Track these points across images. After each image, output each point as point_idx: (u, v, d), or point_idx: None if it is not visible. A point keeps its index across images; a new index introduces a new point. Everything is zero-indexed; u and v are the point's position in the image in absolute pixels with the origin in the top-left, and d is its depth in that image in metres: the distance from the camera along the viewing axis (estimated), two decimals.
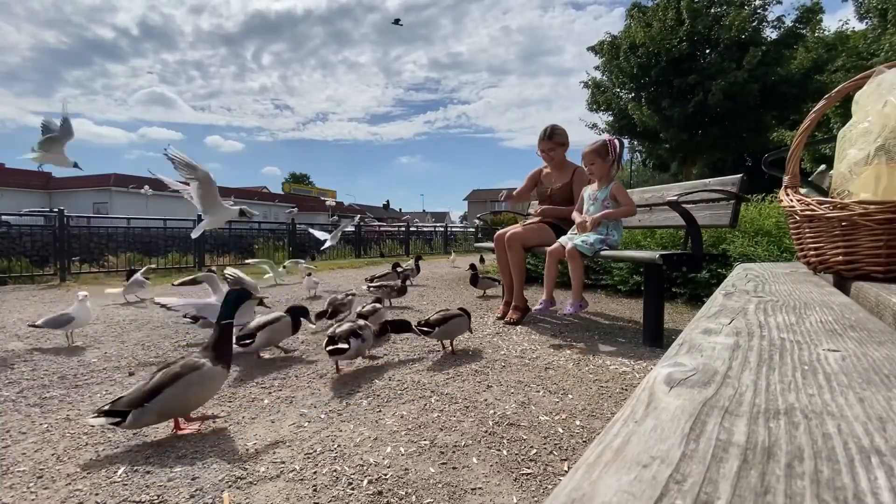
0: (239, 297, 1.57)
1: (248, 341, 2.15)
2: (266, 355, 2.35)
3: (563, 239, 2.86)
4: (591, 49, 17.64)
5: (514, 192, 3.60)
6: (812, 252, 0.94)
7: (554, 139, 3.31)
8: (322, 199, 36.67)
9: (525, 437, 1.42)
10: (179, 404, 1.43)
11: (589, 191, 2.89)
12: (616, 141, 2.82)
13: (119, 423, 1.33)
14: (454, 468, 1.25)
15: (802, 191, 0.99)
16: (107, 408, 1.35)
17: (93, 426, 1.49)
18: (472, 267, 4.73)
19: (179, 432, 1.46)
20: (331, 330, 2.05)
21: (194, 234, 4.12)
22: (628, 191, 3.33)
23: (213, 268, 4.63)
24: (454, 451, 1.34)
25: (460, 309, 2.44)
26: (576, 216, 2.91)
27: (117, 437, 1.44)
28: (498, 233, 3.32)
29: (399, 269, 4.78)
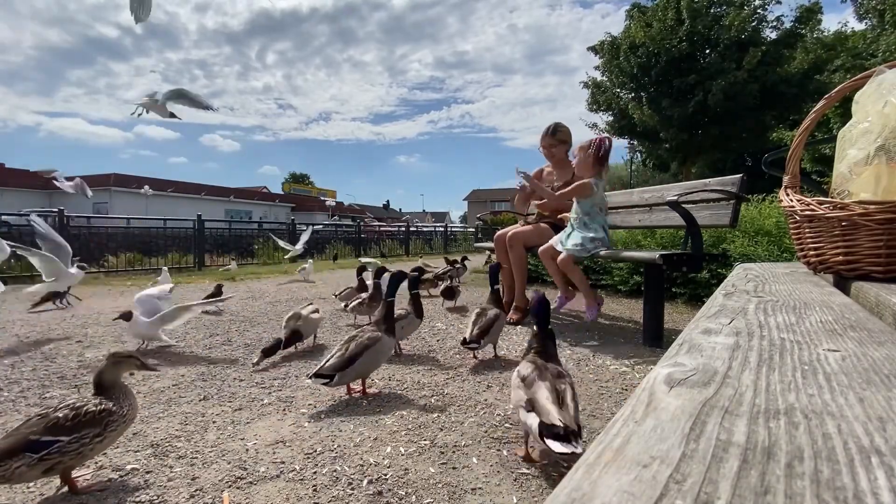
0: (399, 278, 2.00)
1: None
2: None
3: (553, 240, 2.87)
4: (592, 49, 17.65)
5: (521, 194, 3.53)
6: (812, 252, 0.94)
7: (556, 136, 3.33)
8: (322, 198, 36.65)
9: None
10: (369, 368, 1.80)
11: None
12: (606, 140, 2.79)
13: (328, 382, 1.67)
14: (454, 468, 1.25)
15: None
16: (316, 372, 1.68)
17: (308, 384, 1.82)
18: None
19: (359, 394, 1.80)
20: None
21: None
22: (628, 191, 3.34)
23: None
24: (454, 451, 1.34)
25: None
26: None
27: None
28: (498, 233, 3.32)
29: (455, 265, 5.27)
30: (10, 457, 1.01)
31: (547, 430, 1.12)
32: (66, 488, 1.14)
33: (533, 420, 1.18)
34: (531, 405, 1.22)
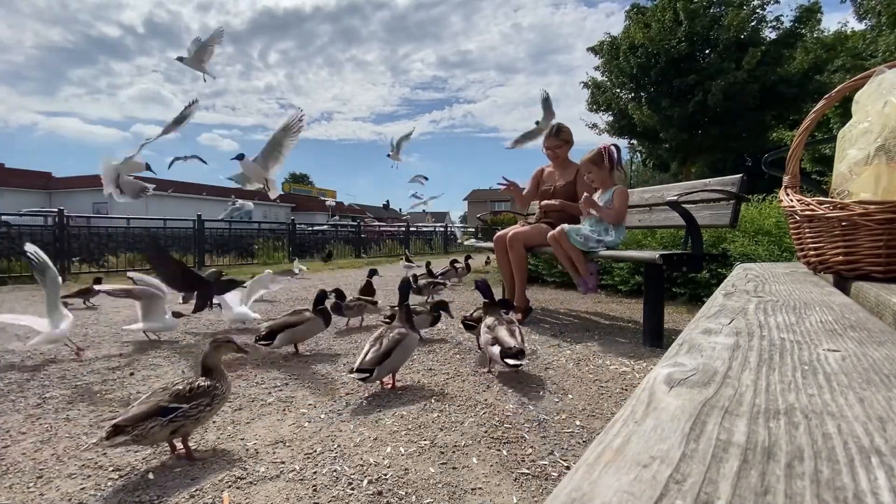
0: (407, 284, 2.10)
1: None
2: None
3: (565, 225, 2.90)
4: (591, 49, 17.66)
5: (522, 192, 3.57)
6: (812, 252, 0.94)
7: (560, 136, 3.37)
8: (322, 198, 36.68)
9: (525, 437, 1.42)
10: (400, 362, 1.87)
11: (594, 197, 2.91)
12: (612, 147, 2.83)
13: (368, 377, 1.71)
14: (454, 468, 1.25)
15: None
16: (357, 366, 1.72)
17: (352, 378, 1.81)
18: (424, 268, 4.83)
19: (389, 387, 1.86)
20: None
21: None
22: (628, 191, 3.34)
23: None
24: (454, 451, 1.34)
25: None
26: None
27: None
28: (498, 234, 3.32)
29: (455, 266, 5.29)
30: (146, 419, 1.23)
31: (505, 352, 1.82)
32: (180, 453, 1.34)
33: (496, 349, 1.86)
34: (495, 340, 1.88)
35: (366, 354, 1.75)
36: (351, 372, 1.73)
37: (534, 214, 3.52)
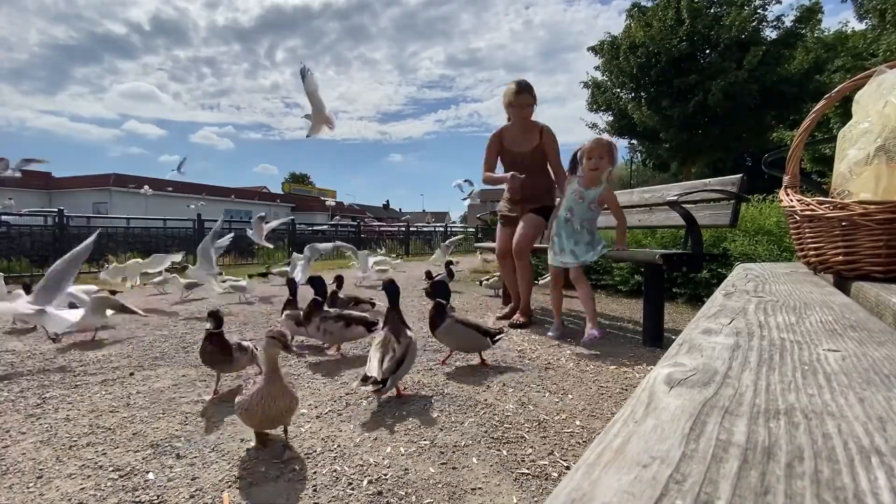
0: (396, 289, 1.98)
1: None
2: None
3: (554, 261, 2.68)
4: (591, 49, 17.65)
5: (486, 173, 3.26)
6: (812, 252, 0.94)
7: (532, 92, 3.10)
8: (322, 198, 36.69)
9: (525, 437, 1.42)
10: (408, 369, 1.80)
11: (575, 185, 2.60)
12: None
13: (381, 388, 1.61)
14: (454, 468, 1.25)
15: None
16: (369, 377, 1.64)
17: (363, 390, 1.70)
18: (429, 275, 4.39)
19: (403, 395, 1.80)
20: None
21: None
22: (628, 191, 3.34)
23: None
24: (454, 451, 1.34)
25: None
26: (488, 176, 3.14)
27: (117, 437, 1.44)
28: (500, 248, 3.23)
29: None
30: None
31: (492, 338, 2.19)
32: None
33: (487, 341, 2.17)
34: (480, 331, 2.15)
35: (381, 362, 1.65)
36: (365, 382, 1.58)
37: (501, 211, 3.37)
